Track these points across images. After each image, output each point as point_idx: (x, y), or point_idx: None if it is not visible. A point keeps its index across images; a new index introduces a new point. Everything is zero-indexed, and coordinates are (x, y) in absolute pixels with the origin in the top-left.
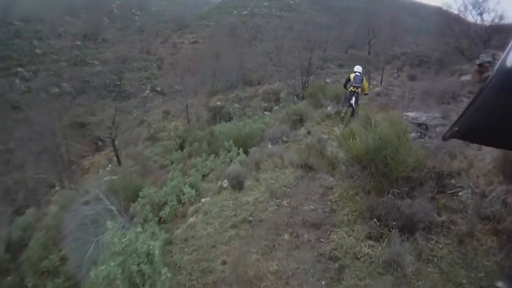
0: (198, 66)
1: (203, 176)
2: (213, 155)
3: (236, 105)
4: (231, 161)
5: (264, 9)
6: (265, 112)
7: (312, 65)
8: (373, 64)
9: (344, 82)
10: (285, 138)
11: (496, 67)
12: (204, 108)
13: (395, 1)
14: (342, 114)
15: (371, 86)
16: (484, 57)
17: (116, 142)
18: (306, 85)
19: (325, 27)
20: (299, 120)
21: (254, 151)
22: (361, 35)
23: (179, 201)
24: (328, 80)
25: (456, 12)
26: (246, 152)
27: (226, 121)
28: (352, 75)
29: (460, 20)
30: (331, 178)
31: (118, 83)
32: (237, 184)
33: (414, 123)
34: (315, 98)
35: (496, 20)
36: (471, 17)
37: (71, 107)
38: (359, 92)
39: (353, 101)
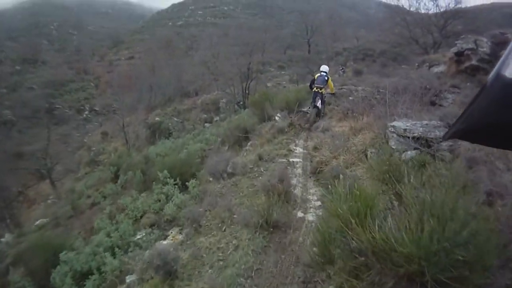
0: (134, 82)
1: (135, 220)
2: (145, 192)
3: (175, 119)
4: (167, 198)
5: (199, 18)
6: (206, 124)
7: (251, 70)
8: (315, 63)
9: (309, 84)
10: (230, 170)
11: (493, 74)
12: (143, 125)
13: None
14: (308, 116)
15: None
16: (463, 44)
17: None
18: (247, 92)
19: (261, 30)
20: (244, 138)
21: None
22: (299, 34)
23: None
24: (269, 84)
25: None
26: (185, 184)
27: (166, 138)
28: (316, 75)
29: (403, 11)
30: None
31: (57, 106)
32: (168, 272)
33: (408, 137)
34: (260, 107)
35: (452, 5)
36: (423, 4)
37: (12, 135)
38: (323, 92)
39: (318, 103)
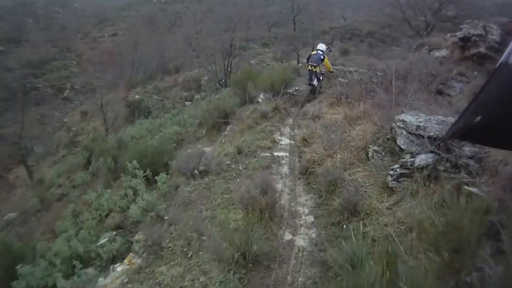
0: (116, 59)
1: (100, 220)
2: (116, 182)
3: (155, 97)
4: (135, 193)
5: None
6: (186, 103)
7: (234, 46)
8: (300, 41)
9: (305, 60)
10: (203, 167)
11: (499, 64)
12: (122, 103)
13: None
14: (306, 95)
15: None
16: (470, 29)
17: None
18: (229, 70)
19: (246, 6)
20: (223, 122)
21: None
22: (285, 12)
23: None
24: (252, 62)
25: None
26: (155, 177)
27: (145, 116)
28: (312, 53)
29: None
30: None
31: (38, 86)
32: None
33: (421, 137)
34: (242, 87)
35: None
36: None
37: None
38: (317, 71)
39: (314, 81)
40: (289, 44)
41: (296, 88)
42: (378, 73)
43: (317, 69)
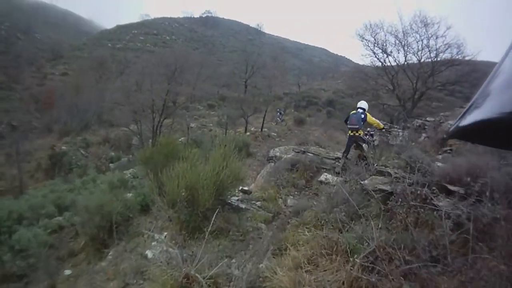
0: (59, 101)
1: None
2: None
3: (82, 151)
4: None
5: (138, 43)
6: (111, 165)
7: (169, 105)
8: (251, 106)
9: (344, 120)
10: None
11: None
12: (49, 152)
13: (277, 41)
14: (336, 169)
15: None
16: None
17: None
18: (158, 132)
19: (198, 64)
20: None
21: None
22: (237, 73)
23: None
24: (193, 125)
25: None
26: None
27: (65, 173)
28: (352, 113)
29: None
30: None
31: None
32: None
33: None
34: (155, 170)
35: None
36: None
37: None
38: (361, 134)
39: (351, 147)
40: (237, 108)
41: (246, 189)
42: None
43: (360, 132)
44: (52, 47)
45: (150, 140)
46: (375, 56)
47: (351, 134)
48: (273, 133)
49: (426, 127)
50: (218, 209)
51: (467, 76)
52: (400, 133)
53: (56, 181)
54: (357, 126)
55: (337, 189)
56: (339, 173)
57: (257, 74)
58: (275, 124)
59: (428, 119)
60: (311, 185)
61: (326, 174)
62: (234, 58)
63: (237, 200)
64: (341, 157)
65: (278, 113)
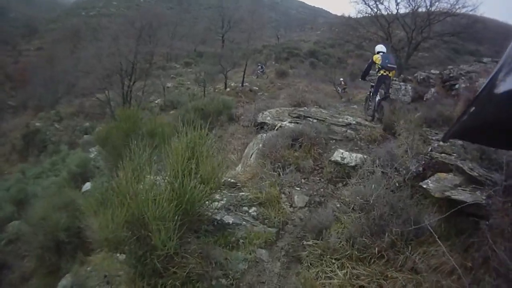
0: (33, 77)
1: None
2: None
3: (56, 125)
4: None
5: (112, 9)
6: (85, 136)
7: (142, 66)
8: (229, 61)
9: (363, 72)
10: None
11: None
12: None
13: None
14: (370, 118)
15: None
16: None
17: None
18: (128, 99)
19: (172, 23)
20: None
21: None
22: (214, 29)
23: None
24: (169, 85)
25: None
26: None
27: (39, 151)
28: (377, 57)
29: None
30: None
31: None
32: None
33: None
34: (115, 153)
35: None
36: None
37: None
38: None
39: (384, 95)
40: (215, 63)
41: (233, 181)
42: None
43: (392, 74)
44: (26, 23)
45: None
46: (365, 3)
47: (385, 74)
48: (255, 87)
49: (431, 80)
50: (190, 238)
51: (469, 28)
52: (403, 87)
53: (26, 165)
54: (395, 66)
55: (371, 187)
56: (372, 117)
57: (234, 29)
58: (256, 78)
59: (432, 71)
60: (322, 167)
61: (340, 150)
62: (210, 15)
63: (221, 207)
64: (370, 98)
65: (259, 66)
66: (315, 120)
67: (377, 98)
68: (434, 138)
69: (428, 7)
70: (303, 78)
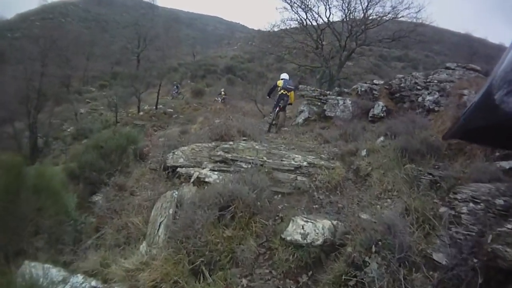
0: None
1: None
2: None
3: None
4: None
5: (35, 30)
6: None
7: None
8: (143, 81)
9: (268, 91)
10: None
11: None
12: None
13: (171, 12)
14: (270, 121)
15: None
16: None
17: None
18: (34, 130)
19: (88, 43)
20: None
21: None
22: (130, 48)
23: None
24: (82, 111)
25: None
26: None
27: None
28: (280, 82)
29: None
30: None
31: None
32: None
33: None
34: None
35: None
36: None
37: None
38: (289, 96)
39: (281, 105)
40: (129, 85)
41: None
42: None
43: (289, 94)
44: None
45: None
46: (292, 9)
47: (284, 93)
48: (169, 110)
49: (375, 92)
50: None
51: (413, 32)
52: (340, 102)
53: None
54: (292, 87)
55: None
56: (271, 125)
57: (150, 48)
58: (172, 99)
59: (375, 81)
60: (271, 249)
61: (298, 220)
62: (127, 33)
63: None
64: (275, 107)
65: (175, 86)
66: (248, 165)
67: (276, 109)
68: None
69: (364, 10)
70: (220, 97)
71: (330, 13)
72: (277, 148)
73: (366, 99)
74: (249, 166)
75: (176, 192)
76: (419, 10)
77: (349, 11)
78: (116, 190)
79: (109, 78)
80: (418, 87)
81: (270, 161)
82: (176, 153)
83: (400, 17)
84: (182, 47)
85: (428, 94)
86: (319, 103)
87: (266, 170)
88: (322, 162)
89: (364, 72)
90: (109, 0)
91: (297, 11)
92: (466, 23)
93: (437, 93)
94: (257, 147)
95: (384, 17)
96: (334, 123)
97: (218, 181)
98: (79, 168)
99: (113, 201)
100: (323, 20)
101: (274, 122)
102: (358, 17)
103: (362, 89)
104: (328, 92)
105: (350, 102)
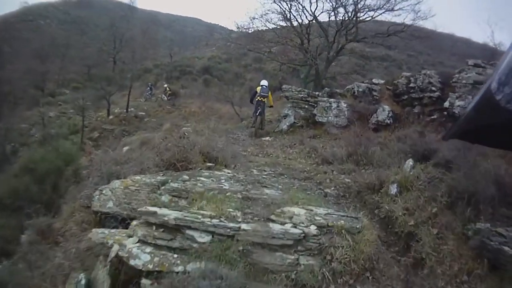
0: None
1: None
2: None
3: None
4: None
5: (15, 32)
6: None
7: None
8: (117, 83)
9: (250, 98)
10: None
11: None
12: None
13: (150, 14)
14: (251, 125)
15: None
16: None
17: None
18: None
19: (64, 46)
20: None
21: None
22: (106, 50)
23: None
24: (51, 114)
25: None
26: None
27: None
28: (259, 88)
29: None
30: None
31: None
32: None
33: None
34: None
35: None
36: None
37: None
38: (266, 102)
39: (259, 111)
40: (102, 87)
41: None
42: None
43: (265, 100)
44: None
45: None
46: (275, 2)
47: (260, 99)
48: (141, 113)
49: (375, 93)
50: None
51: (409, 28)
52: (333, 104)
53: None
54: (266, 95)
55: None
56: (255, 129)
57: (126, 49)
58: (145, 101)
59: (375, 80)
60: None
61: None
62: (105, 36)
63: None
64: (253, 115)
65: (148, 88)
66: (205, 238)
67: (256, 114)
68: None
69: (356, 1)
70: (196, 98)
71: (316, 5)
72: (259, 182)
73: (365, 101)
74: (208, 240)
75: (83, 280)
76: (418, 2)
77: (340, 2)
78: (39, 236)
79: (84, 80)
80: (433, 88)
81: (249, 227)
82: (104, 192)
83: (397, 9)
84: (160, 49)
85: (457, 98)
86: (306, 106)
87: (241, 247)
88: (342, 222)
89: (347, 72)
90: (89, 2)
91: (279, 2)
92: (450, 23)
93: (469, 96)
94: (226, 184)
95: (379, 10)
96: (326, 130)
97: (150, 266)
98: (8, 197)
99: (29, 254)
100: (308, 12)
101: (253, 125)
102: (348, 9)
103: (360, 89)
104: (317, 93)
105: (345, 105)
